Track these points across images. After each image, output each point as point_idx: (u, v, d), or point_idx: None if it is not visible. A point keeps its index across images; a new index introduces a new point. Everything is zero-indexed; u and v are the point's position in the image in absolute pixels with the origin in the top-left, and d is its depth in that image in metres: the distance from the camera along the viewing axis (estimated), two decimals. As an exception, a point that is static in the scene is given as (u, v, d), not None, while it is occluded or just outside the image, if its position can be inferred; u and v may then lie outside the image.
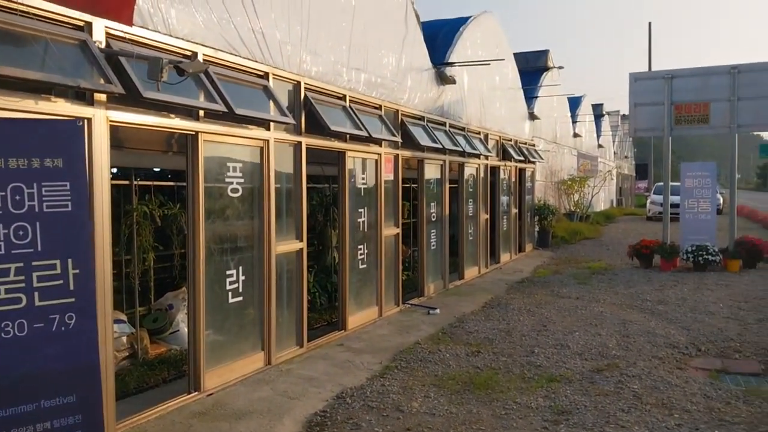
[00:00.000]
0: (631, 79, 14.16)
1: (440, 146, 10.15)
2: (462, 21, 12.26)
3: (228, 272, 5.80)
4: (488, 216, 13.32)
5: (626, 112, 15.61)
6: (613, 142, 39.68)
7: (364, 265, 8.24)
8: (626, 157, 48.13)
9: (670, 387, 5.72)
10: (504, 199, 14.54)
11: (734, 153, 13.56)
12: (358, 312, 8.06)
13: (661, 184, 15.85)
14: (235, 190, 5.85)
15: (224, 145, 5.74)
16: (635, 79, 14.18)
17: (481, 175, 12.74)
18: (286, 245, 6.57)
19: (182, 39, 5.17)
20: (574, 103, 26.17)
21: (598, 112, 33.35)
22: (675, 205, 14.70)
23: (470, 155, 11.86)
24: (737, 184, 14.25)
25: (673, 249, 13.34)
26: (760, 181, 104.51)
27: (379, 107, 8.62)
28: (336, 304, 8.10)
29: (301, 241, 6.79)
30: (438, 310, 9.02)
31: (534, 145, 17.65)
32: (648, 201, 30.74)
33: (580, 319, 8.52)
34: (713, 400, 5.42)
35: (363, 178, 8.22)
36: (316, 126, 6.91)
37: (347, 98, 7.74)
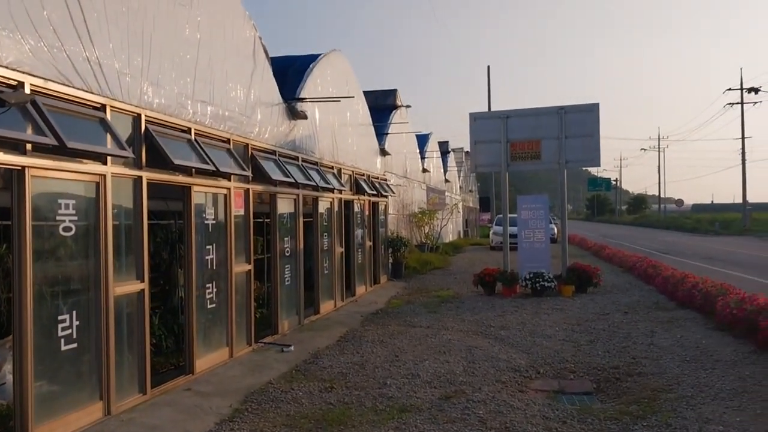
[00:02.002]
0: (471, 119, 15.10)
1: (293, 180, 10.12)
2: (312, 58, 12.42)
3: (60, 317, 5.35)
4: (343, 249, 13.44)
5: (469, 149, 16.55)
6: (459, 176, 41.90)
7: (213, 305, 7.95)
8: (471, 190, 50.91)
9: (512, 410, 6.03)
10: (359, 232, 14.77)
11: (564, 186, 14.79)
12: (207, 354, 7.74)
13: (501, 215, 16.88)
14: (68, 229, 5.44)
15: (56, 181, 5.34)
16: (475, 118, 15.13)
17: (336, 209, 12.87)
18: (126, 286, 6.19)
19: (6, 67, 4.77)
20: (423, 140, 27.40)
21: (444, 149, 35.23)
22: (514, 236, 15.67)
23: (324, 189, 11.96)
24: (569, 215, 15.54)
25: (513, 276, 14.23)
26: (590, 212, 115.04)
27: (228, 141, 8.46)
28: (183, 347, 7.73)
29: (143, 281, 6.43)
30: (292, 347, 8.89)
31: (386, 180, 18.16)
32: (491, 232, 32.62)
33: (430, 347, 8.78)
34: (551, 420, 5.77)
35: (211, 214, 7.98)
36: (159, 160, 6.63)
37: (192, 131, 7.52)
